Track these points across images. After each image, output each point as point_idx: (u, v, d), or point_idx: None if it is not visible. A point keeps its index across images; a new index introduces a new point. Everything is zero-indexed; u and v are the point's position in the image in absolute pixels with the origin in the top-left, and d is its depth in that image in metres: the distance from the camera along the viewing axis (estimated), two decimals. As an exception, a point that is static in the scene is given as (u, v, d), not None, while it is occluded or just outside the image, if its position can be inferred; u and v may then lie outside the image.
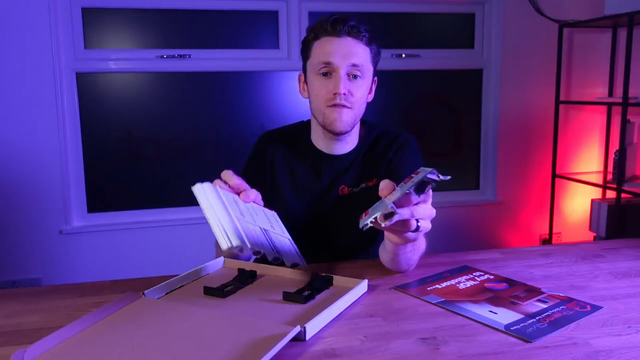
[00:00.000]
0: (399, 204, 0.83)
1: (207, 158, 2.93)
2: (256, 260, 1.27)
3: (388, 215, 0.82)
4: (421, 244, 1.17)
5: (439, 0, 3.03)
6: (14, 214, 2.66)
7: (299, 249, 1.26)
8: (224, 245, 0.91)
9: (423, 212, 0.87)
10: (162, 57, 2.77)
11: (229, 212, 0.98)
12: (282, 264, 1.07)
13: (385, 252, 1.17)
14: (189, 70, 2.82)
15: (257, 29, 2.89)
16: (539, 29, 3.13)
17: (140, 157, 2.86)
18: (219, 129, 2.93)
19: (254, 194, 1.10)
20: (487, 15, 3.12)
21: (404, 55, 3.05)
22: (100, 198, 2.82)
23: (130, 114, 2.81)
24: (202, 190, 0.99)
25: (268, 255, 1.01)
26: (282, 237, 1.13)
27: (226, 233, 0.93)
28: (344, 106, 1.23)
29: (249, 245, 0.94)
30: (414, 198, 0.84)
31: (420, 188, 0.84)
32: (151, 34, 2.79)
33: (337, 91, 1.21)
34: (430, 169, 0.85)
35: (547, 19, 3.11)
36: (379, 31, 3.02)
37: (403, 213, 0.84)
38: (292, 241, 1.17)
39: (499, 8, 3.07)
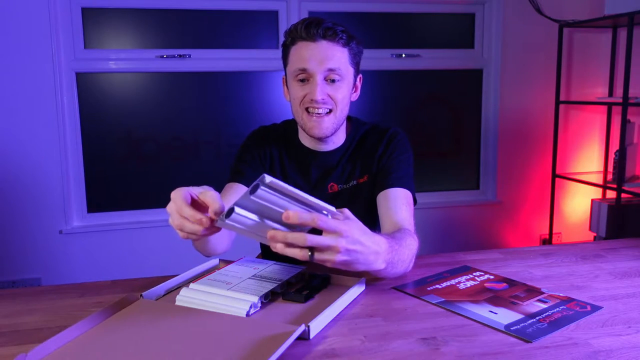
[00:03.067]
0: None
1: (207, 158, 2.93)
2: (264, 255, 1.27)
3: (227, 213, 0.83)
4: (406, 256, 1.06)
5: (439, 0, 3.03)
6: (14, 214, 2.66)
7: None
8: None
9: (317, 240, 0.82)
10: (162, 57, 2.77)
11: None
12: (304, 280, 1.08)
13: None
14: (189, 70, 2.82)
15: (257, 29, 2.89)
16: (539, 29, 3.13)
17: (140, 157, 2.86)
18: (219, 128, 2.93)
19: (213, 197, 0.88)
20: (487, 15, 3.12)
21: (404, 55, 3.05)
22: (100, 198, 2.82)
23: (130, 114, 2.81)
24: None
25: (288, 281, 1.04)
26: (269, 268, 1.13)
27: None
28: (322, 112, 1.22)
29: (258, 303, 0.97)
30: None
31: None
32: (151, 34, 2.78)
33: (313, 97, 1.20)
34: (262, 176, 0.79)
35: (547, 19, 3.11)
36: (379, 31, 3.04)
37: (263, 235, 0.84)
38: (275, 262, 1.17)
39: (499, 8, 3.07)
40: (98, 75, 2.75)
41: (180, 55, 2.79)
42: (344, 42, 1.22)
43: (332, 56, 1.20)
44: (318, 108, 1.22)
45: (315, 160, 1.33)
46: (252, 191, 0.80)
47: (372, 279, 1.13)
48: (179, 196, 0.86)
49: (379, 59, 3.00)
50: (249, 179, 1.29)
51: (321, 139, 1.28)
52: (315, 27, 1.19)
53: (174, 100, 2.86)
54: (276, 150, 1.36)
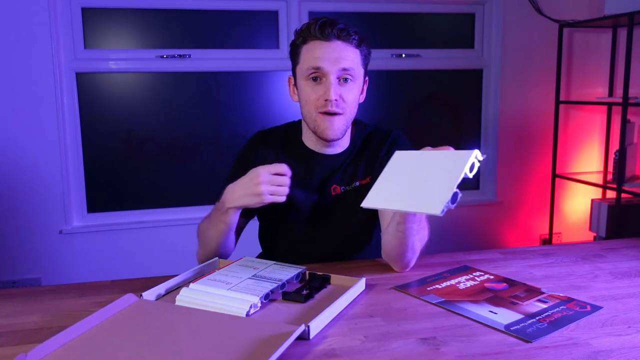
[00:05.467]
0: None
1: (207, 158, 2.93)
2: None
3: (454, 198, 0.92)
4: (424, 227, 1.19)
5: (439, 0, 3.03)
6: (14, 214, 2.66)
7: (293, 250, 1.29)
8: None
9: None
10: (162, 57, 2.77)
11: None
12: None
13: (393, 237, 1.15)
14: (189, 70, 2.82)
15: (257, 29, 2.89)
16: (539, 29, 3.13)
17: (140, 157, 2.86)
18: (219, 129, 2.93)
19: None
20: (487, 15, 3.12)
21: (404, 55, 3.05)
22: (100, 198, 2.82)
23: (130, 114, 2.81)
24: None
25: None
26: (269, 268, 1.13)
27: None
28: (335, 113, 1.22)
29: (258, 303, 0.97)
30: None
31: (471, 169, 0.93)
32: (151, 34, 2.78)
33: (327, 97, 1.20)
34: (475, 151, 0.92)
35: (547, 19, 3.11)
36: (379, 31, 3.03)
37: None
38: (275, 262, 1.18)
39: (499, 8, 3.07)
40: (98, 75, 2.74)
41: (180, 55, 2.79)
42: (356, 43, 1.22)
43: (346, 56, 1.20)
44: (331, 110, 1.21)
45: (319, 163, 1.32)
46: (472, 170, 0.92)
47: (371, 276, 1.13)
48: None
49: (379, 59, 3.00)
50: None
51: (331, 141, 1.28)
52: (330, 27, 1.19)
53: (174, 100, 2.86)
54: (273, 154, 1.35)
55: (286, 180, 1.13)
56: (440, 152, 1.01)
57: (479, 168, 0.94)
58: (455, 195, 0.91)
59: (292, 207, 1.33)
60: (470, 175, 0.92)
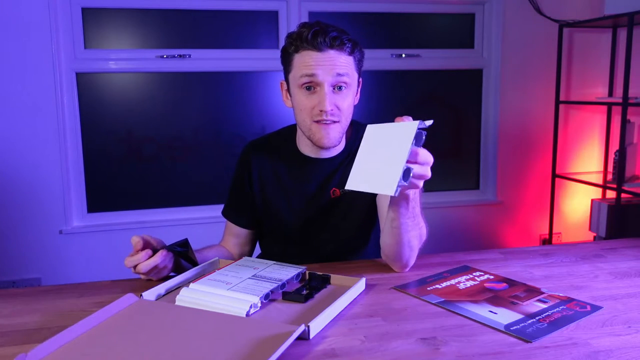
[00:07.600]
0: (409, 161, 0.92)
1: (207, 158, 2.93)
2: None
3: (407, 174, 0.92)
4: (421, 226, 1.16)
5: (439, 0, 3.03)
6: (14, 214, 2.66)
7: (293, 254, 1.29)
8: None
9: (427, 158, 0.98)
10: (162, 57, 2.77)
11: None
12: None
13: (389, 235, 1.14)
14: (189, 70, 2.82)
15: (257, 29, 2.89)
16: (539, 29, 3.13)
17: (140, 157, 2.86)
18: (219, 129, 2.93)
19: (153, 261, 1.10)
20: (487, 15, 3.12)
21: (404, 55, 3.05)
22: (100, 198, 2.82)
23: (130, 114, 2.81)
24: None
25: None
26: (269, 268, 1.13)
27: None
28: (331, 122, 1.21)
29: (258, 303, 0.97)
30: (416, 149, 0.94)
31: (417, 140, 0.94)
32: (151, 34, 2.78)
33: (322, 108, 1.19)
34: (417, 122, 0.93)
35: (547, 19, 3.11)
36: (379, 31, 3.04)
37: (418, 169, 0.95)
38: (275, 262, 1.18)
39: (499, 8, 3.07)
40: (98, 75, 2.75)
41: (180, 55, 2.79)
42: (349, 50, 1.21)
43: (340, 65, 1.19)
44: (326, 119, 1.20)
45: (316, 168, 1.32)
46: (419, 142, 0.94)
47: (371, 276, 1.13)
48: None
49: (379, 59, 3.00)
50: (238, 219, 1.42)
51: (328, 148, 1.27)
52: (322, 36, 1.17)
53: (174, 100, 2.86)
54: (268, 163, 1.35)
55: (138, 258, 1.10)
56: (397, 125, 1.02)
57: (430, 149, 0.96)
58: (407, 171, 0.91)
59: (292, 213, 1.33)
60: (418, 148, 0.93)
